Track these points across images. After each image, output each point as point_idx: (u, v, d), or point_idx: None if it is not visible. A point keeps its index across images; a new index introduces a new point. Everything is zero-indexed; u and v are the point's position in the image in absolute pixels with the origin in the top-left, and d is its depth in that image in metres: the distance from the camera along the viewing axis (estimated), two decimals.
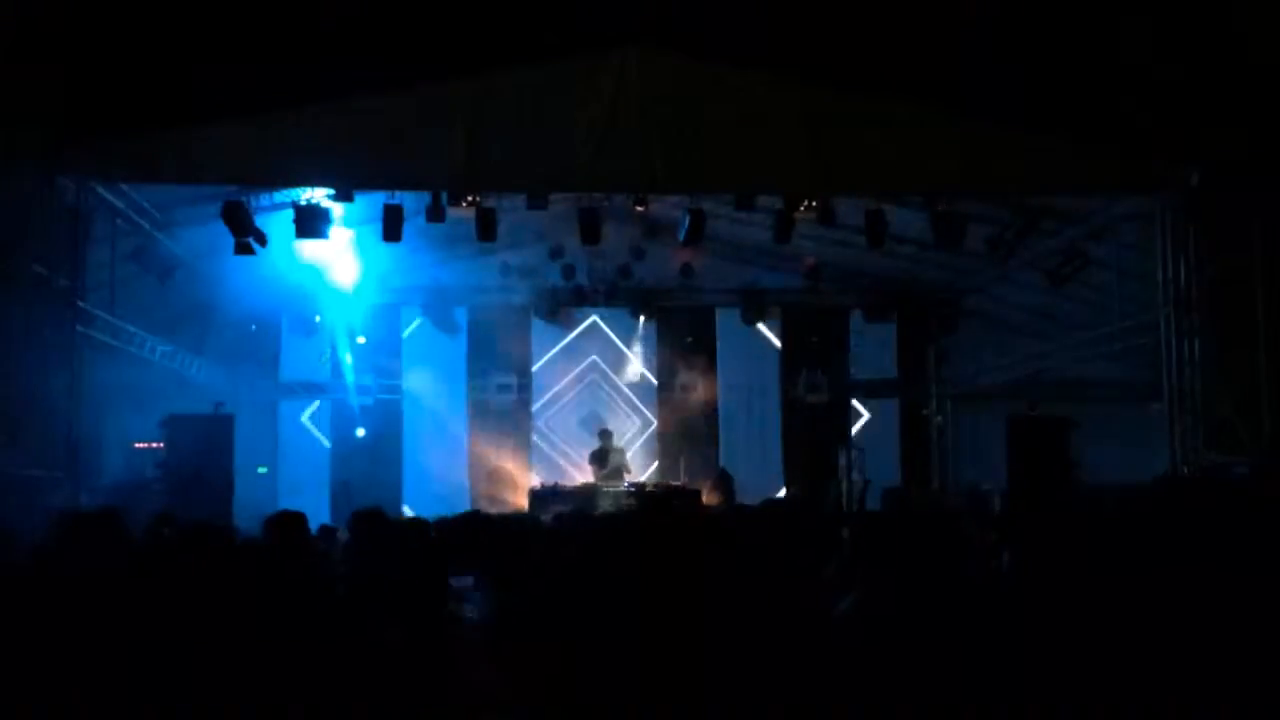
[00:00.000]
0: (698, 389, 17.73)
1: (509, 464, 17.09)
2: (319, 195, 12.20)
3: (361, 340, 16.98)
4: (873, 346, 18.10)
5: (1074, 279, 13.55)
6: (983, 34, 9.98)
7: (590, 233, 12.95)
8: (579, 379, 17.79)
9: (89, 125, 10.23)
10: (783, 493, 16.52)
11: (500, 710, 3.21)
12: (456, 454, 17.33)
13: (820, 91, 11.06)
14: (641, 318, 17.74)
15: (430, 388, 17.43)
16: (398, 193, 12.21)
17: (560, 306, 17.48)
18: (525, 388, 17.64)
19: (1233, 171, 10.77)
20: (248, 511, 11.99)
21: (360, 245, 14.26)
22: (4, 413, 10.18)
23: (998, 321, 17.12)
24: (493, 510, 12.52)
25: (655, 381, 17.86)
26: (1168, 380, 11.82)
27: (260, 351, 17.01)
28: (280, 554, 4.42)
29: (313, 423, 17.38)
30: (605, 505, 12.83)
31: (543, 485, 15.08)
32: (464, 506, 15.99)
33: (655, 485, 14.81)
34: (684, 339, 17.94)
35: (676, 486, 14.72)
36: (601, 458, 15.43)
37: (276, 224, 12.63)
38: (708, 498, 13.91)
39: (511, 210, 13.28)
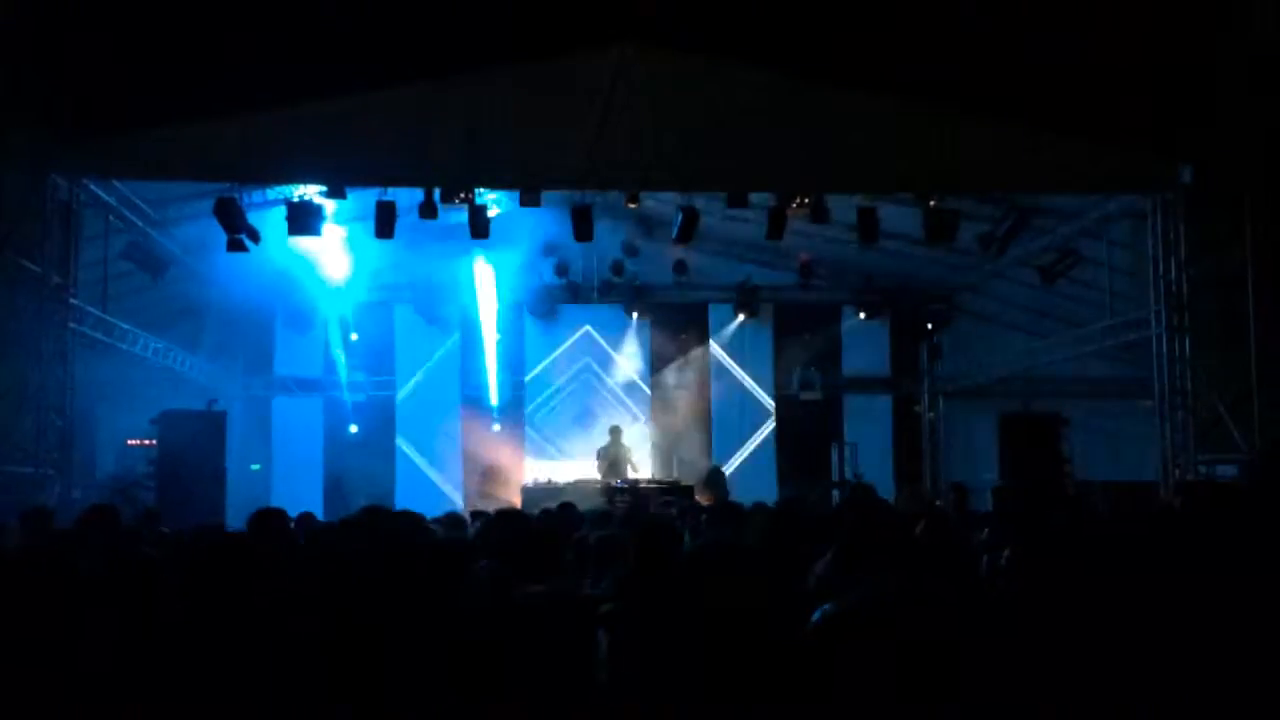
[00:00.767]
0: (690, 385, 17.76)
1: (502, 461, 17.10)
2: (311, 192, 12.19)
3: (354, 337, 16.97)
4: (866, 343, 18.16)
5: (1066, 276, 13.60)
6: (977, 32, 9.99)
7: (583, 230, 12.95)
8: (572, 376, 17.80)
9: (81, 122, 10.20)
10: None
11: None
12: (450, 451, 17.34)
13: (815, 89, 11.06)
14: (635, 314, 17.76)
15: (423, 384, 17.42)
16: (390, 189, 12.20)
17: (553, 303, 17.48)
18: (519, 385, 17.65)
19: (1224, 170, 10.80)
20: (240, 508, 11.99)
21: (353, 242, 14.24)
22: None
23: (990, 319, 17.18)
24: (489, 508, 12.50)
25: (648, 378, 17.89)
26: (1158, 378, 11.86)
27: (253, 348, 16.99)
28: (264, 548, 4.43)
29: (305, 419, 17.35)
30: (597, 503, 12.82)
31: (535, 482, 15.07)
32: (457, 504, 16.05)
33: (648, 482, 14.80)
34: (677, 335, 17.98)
35: (670, 483, 14.72)
36: (611, 457, 15.29)
37: (269, 220, 12.61)
38: (700, 495, 13.91)
39: (505, 207, 13.29)
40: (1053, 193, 12.51)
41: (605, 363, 17.88)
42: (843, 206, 13.02)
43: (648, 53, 10.79)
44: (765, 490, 15.13)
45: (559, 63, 10.92)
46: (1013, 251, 13.75)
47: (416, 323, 17.47)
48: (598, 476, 14.96)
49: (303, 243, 13.00)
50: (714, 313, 17.98)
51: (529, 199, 12.47)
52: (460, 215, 12.66)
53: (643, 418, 17.71)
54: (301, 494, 14.99)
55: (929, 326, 17.63)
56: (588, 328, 17.86)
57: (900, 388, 18.44)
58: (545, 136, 11.02)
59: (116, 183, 11.80)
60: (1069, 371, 15.35)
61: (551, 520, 7.02)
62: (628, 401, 17.80)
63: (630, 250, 16.54)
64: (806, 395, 17.76)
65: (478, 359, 17.25)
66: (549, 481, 14.94)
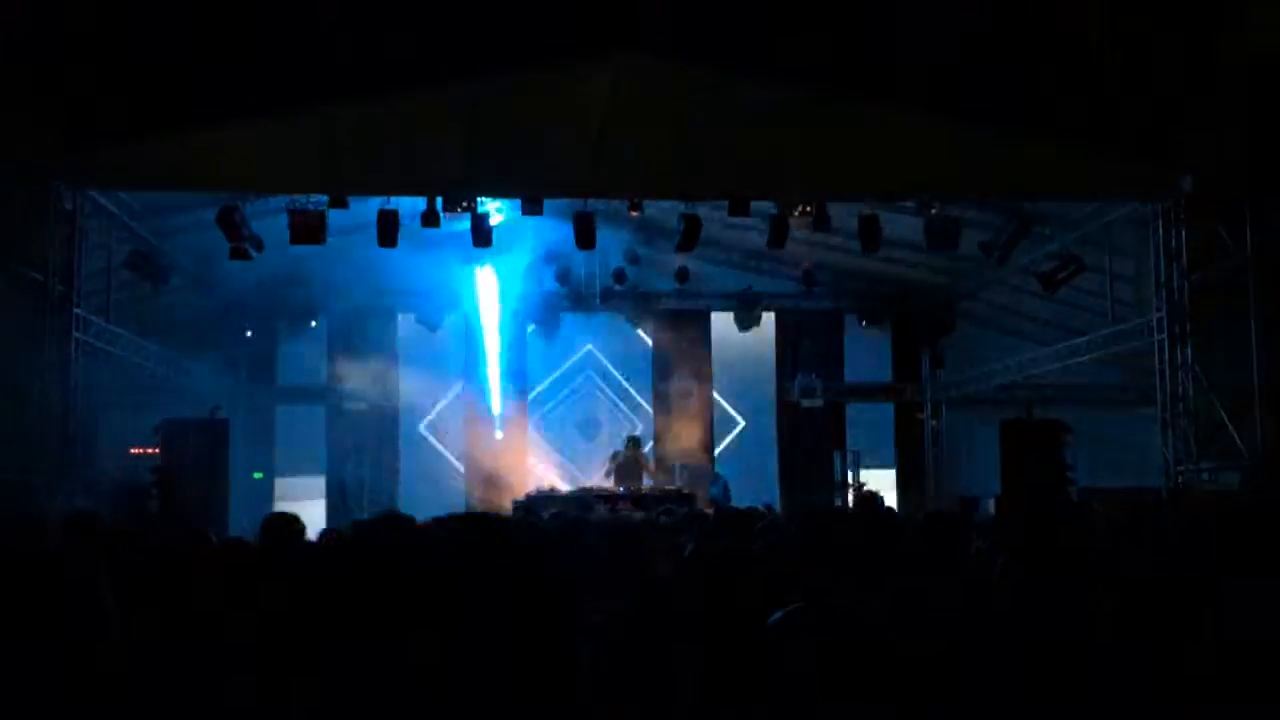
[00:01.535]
0: (693, 393, 17.76)
1: (505, 467, 17.08)
2: (314, 200, 12.21)
3: (359, 344, 16.96)
4: (868, 351, 18.15)
5: (1067, 284, 13.60)
6: (978, 38, 10.01)
7: (585, 237, 12.97)
8: (574, 384, 17.80)
9: (85, 132, 10.22)
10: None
11: None
12: (453, 459, 17.34)
13: (817, 96, 11.08)
14: (637, 322, 17.76)
15: (426, 393, 17.42)
16: (392, 198, 12.22)
17: (555, 311, 17.49)
18: (521, 391, 17.64)
19: (1225, 177, 10.81)
20: (243, 516, 12.02)
21: (356, 250, 14.25)
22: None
23: (992, 326, 17.18)
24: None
25: (650, 385, 17.88)
26: (1160, 385, 11.85)
27: (256, 357, 17.00)
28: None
29: (308, 428, 17.35)
30: (599, 511, 12.80)
31: (537, 490, 15.04)
32: (459, 510, 16.02)
33: (649, 490, 14.78)
34: (679, 343, 17.97)
35: (672, 491, 14.70)
36: (627, 464, 15.22)
37: (272, 229, 12.63)
38: (702, 503, 13.89)
39: (507, 215, 13.32)
40: (1053, 199, 12.51)
41: (607, 370, 17.88)
42: (844, 214, 13.04)
43: (649, 61, 10.82)
44: (767, 498, 15.13)
45: (561, 71, 10.95)
46: (1014, 259, 13.75)
47: (419, 331, 17.47)
48: (601, 483, 14.97)
49: (305, 251, 13.02)
50: (716, 320, 17.98)
51: (531, 207, 12.51)
52: (462, 223, 12.69)
53: (645, 425, 17.70)
54: (304, 503, 14.99)
55: (931, 334, 17.63)
56: (589, 336, 17.86)
57: (902, 395, 18.43)
58: (547, 144, 11.03)
59: (120, 192, 11.82)
60: (1071, 379, 15.34)
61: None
62: (628, 409, 17.80)
63: (632, 258, 16.55)
64: (808, 403, 17.73)
65: (480, 367, 17.27)
66: (552, 489, 14.92)
